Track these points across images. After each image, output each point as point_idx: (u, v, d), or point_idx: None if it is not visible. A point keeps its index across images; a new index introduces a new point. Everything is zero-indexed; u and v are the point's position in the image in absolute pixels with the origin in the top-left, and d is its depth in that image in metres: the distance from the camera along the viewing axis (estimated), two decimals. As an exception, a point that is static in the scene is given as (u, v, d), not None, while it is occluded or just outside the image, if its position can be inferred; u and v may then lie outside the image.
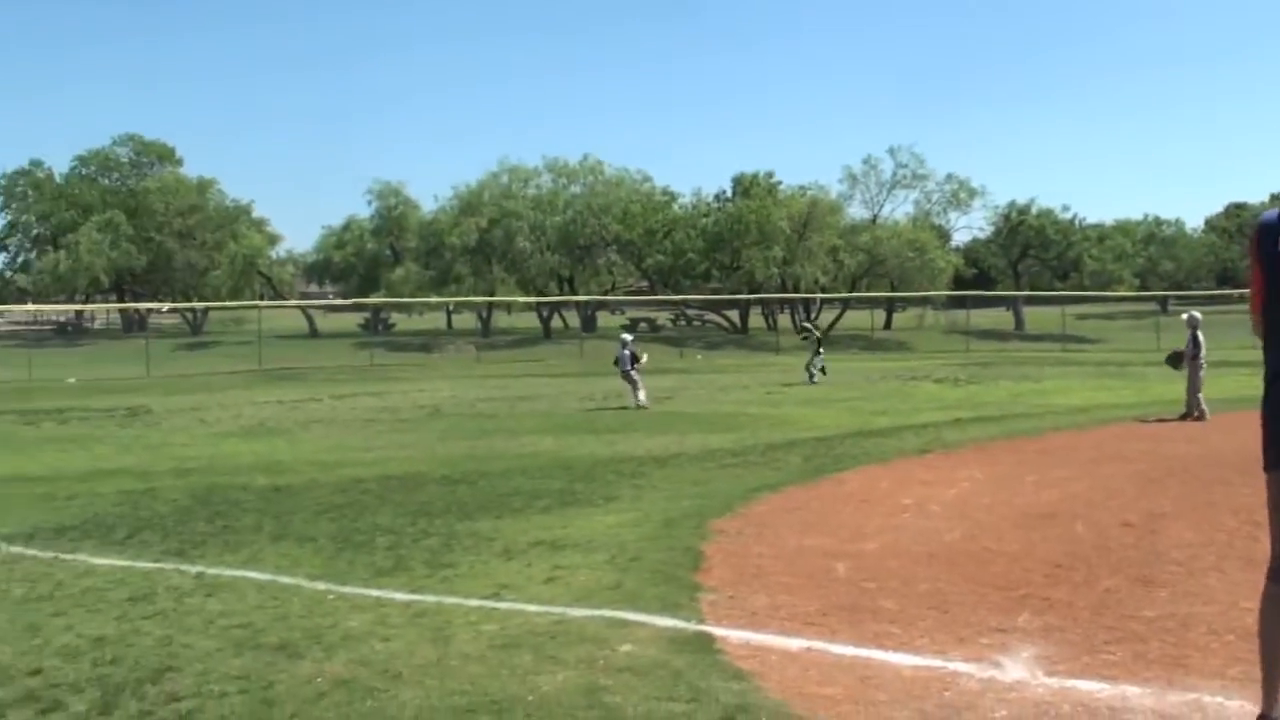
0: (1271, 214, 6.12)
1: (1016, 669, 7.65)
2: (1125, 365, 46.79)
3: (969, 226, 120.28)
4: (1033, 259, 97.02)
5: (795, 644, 8.33)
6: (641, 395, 30.87)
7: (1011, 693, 7.21)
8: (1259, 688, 6.14)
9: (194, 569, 11.48)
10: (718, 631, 8.65)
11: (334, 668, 8.00)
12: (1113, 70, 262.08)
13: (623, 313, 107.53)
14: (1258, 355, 6.11)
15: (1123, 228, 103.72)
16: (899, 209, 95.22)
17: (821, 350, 42.46)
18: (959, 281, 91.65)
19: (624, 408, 30.31)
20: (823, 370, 41.78)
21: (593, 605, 9.49)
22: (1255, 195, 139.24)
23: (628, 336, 34.05)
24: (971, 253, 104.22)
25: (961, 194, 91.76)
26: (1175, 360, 25.97)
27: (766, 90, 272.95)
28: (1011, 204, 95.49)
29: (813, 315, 43.80)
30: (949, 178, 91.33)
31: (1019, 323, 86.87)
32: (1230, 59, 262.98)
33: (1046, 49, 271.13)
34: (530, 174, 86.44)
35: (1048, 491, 15.10)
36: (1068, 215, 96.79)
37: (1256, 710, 6.19)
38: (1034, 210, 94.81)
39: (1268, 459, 5.99)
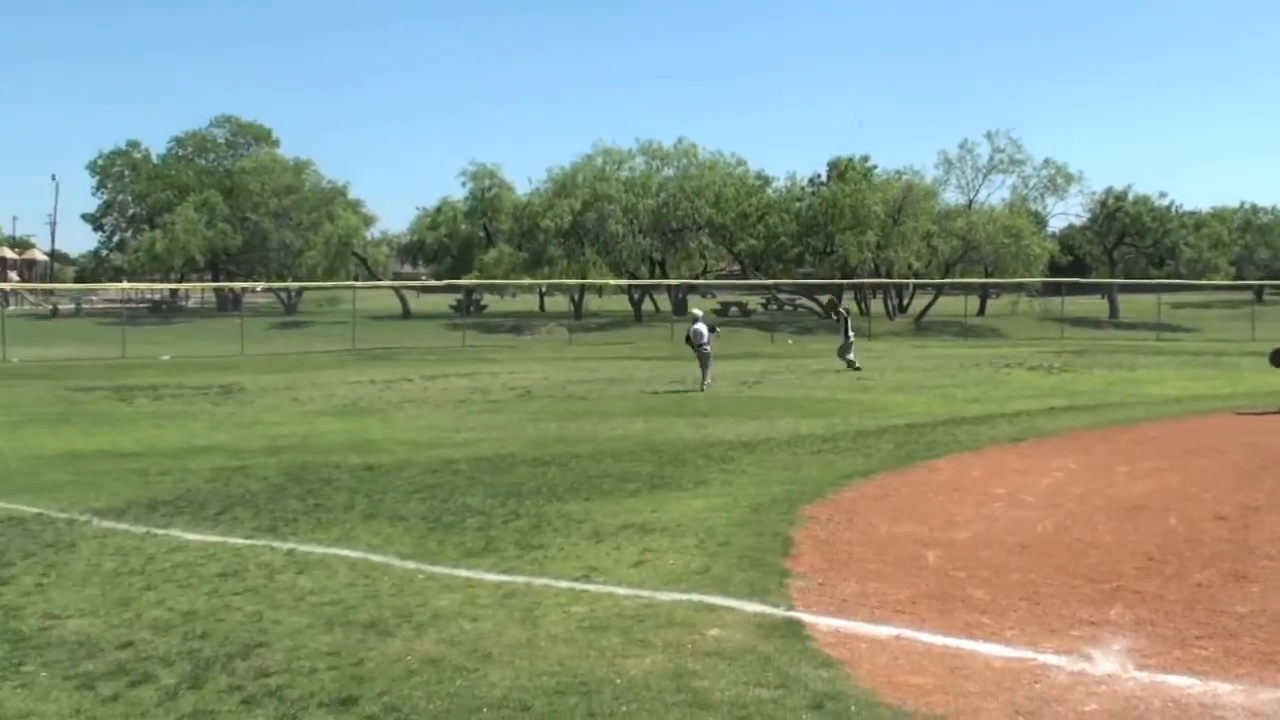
0: None
1: (1107, 662, 7.58)
2: (1220, 355, 46.07)
3: (1065, 213, 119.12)
4: (1128, 246, 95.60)
5: (884, 632, 8.30)
6: (709, 376, 31.10)
7: (1102, 686, 7.15)
8: None
9: (285, 546, 11.60)
10: (807, 618, 8.63)
11: (423, 646, 8.06)
12: (1212, 56, 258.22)
13: (713, 296, 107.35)
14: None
15: (1219, 215, 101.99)
16: (995, 194, 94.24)
17: (851, 335, 41.21)
18: (1054, 268, 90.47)
19: (684, 390, 30.48)
20: (851, 363, 40.24)
21: (681, 589, 9.50)
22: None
23: (699, 312, 34.46)
24: (1067, 239, 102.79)
25: (1059, 179, 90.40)
26: (1278, 358, 25.45)
27: (862, 74, 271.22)
28: (1108, 190, 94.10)
29: (840, 299, 42.18)
30: (1046, 163, 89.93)
31: (1113, 311, 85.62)
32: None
33: (1146, 33, 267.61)
34: (624, 156, 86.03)
35: (1140, 482, 14.92)
36: (1164, 202, 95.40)
37: None
38: (1130, 197, 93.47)
39: None
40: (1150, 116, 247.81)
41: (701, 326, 31.78)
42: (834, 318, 40.87)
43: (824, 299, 44.54)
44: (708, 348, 31.61)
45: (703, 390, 30.37)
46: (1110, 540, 11.42)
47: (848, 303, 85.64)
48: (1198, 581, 9.68)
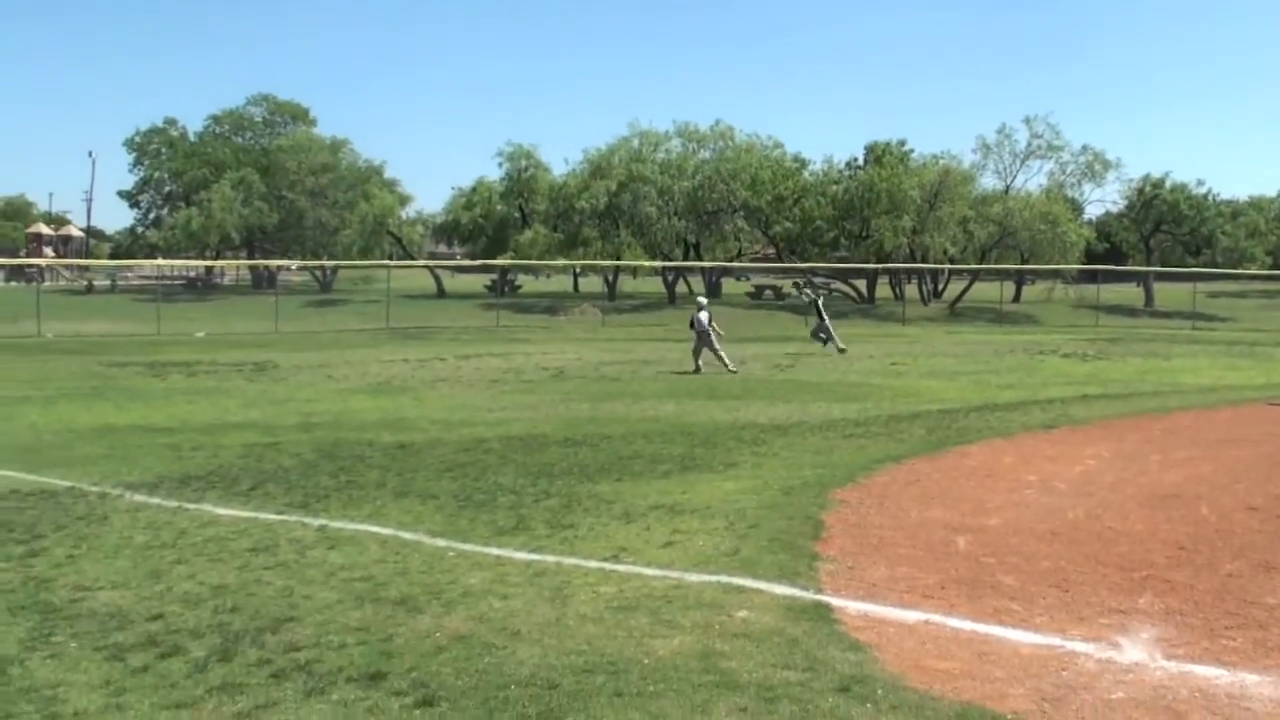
0: None
1: (1135, 651, 7.57)
2: (1255, 345, 45.86)
3: (1102, 200, 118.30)
4: (1165, 234, 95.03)
5: (913, 617, 8.30)
6: (700, 361, 31.54)
7: (1129, 675, 7.14)
8: None
9: (317, 522, 11.66)
10: (835, 601, 8.64)
11: (453, 623, 8.10)
12: (1253, 45, 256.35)
13: (748, 279, 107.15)
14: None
15: (1257, 204, 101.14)
16: (1032, 180, 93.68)
17: (825, 317, 41.30)
18: (1090, 255, 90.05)
19: (685, 372, 30.83)
20: (824, 339, 40.93)
21: (710, 571, 9.52)
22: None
23: (704, 300, 35.01)
24: (1104, 226, 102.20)
25: (1096, 166, 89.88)
26: None
27: (901, 57, 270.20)
28: (1146, 178, 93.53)
29: (814, 279, 41.58)
30: (1084, 149, 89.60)
31: (1149, 299, 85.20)
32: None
33: (1184, 19, 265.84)
34: (660, 138, 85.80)
35: (1173, 472, 14.86)
36: (1201, 190, 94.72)
37: None
38: (1168, 185, 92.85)
39: None
40: (1190, 104, 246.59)
41: (704, 315, 32.11)
42: (805, 298, 40.41)
43: (800, 281, 44.28)
44: (709, 334, 31.89)
45: (734, 371, 30.68)
46: (1141, 529, 11.39)
47: (883, 289, 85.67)
48: (1228, 572, 9.64)
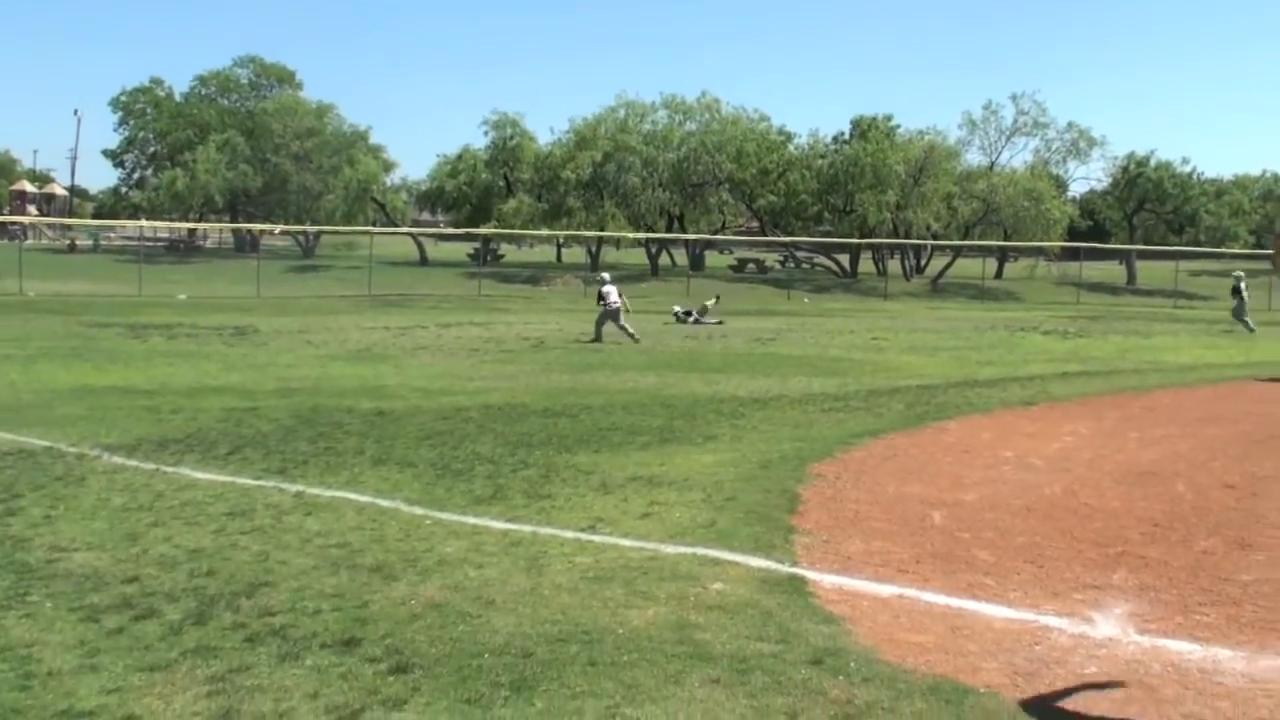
0: None
1: (1108, 626, 7.61)
2: (1236, 324, 45.93)
3: (1086, 177, 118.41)
4: (1149, 212, 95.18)
5: (887, 590, 8.33)
6: (601, 329, 32.47)
7: (1102, 649, 7.18)
8: None
9: (294, 487, 11.65)
10: (810, 574, 8.66)
11: (428, 591, 8.11)
12: (1238, 22, 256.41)
13: (731, 252, 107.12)
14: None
15: (1240, 183, 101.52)
16: (1017, 157, 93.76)
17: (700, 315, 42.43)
18: (1073, 233, 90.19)
19: (592, 342, 30.97)
20: (695, 317, 41.96)
21: (686, 543, 9.53)
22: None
23: (607, 275, 35.65)
24: (1087, 204, 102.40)
25: (1081, 143, 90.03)
26: None
27: (888, 32, 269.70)
28: (1130, 155, 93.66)
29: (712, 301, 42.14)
30: (1070, 126, 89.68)
31: (1131, 277, 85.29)
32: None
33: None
34: (647, 110, 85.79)
35: (1150, 449, 14.90)
36: (1186, 169, 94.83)
37: None
38: (1153, 163, 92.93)
39: None
40: (1175, 82, 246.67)
41: (610, 289, 32.79)
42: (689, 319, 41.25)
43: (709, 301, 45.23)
44: (613, 307, 32.52)
45: (638, 340, 31.29)
46: (1117, 506, 11.43)
47: (866, 264, 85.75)
48: (1203, 549, 9.69)
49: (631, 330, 31.71)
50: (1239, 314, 43.06)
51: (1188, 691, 6.51)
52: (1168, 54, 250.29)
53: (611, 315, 32.08)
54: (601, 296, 32.79)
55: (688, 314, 41.96)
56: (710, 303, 44.34)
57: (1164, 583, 8.67)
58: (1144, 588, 8.53)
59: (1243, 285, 43.55)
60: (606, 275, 35.13)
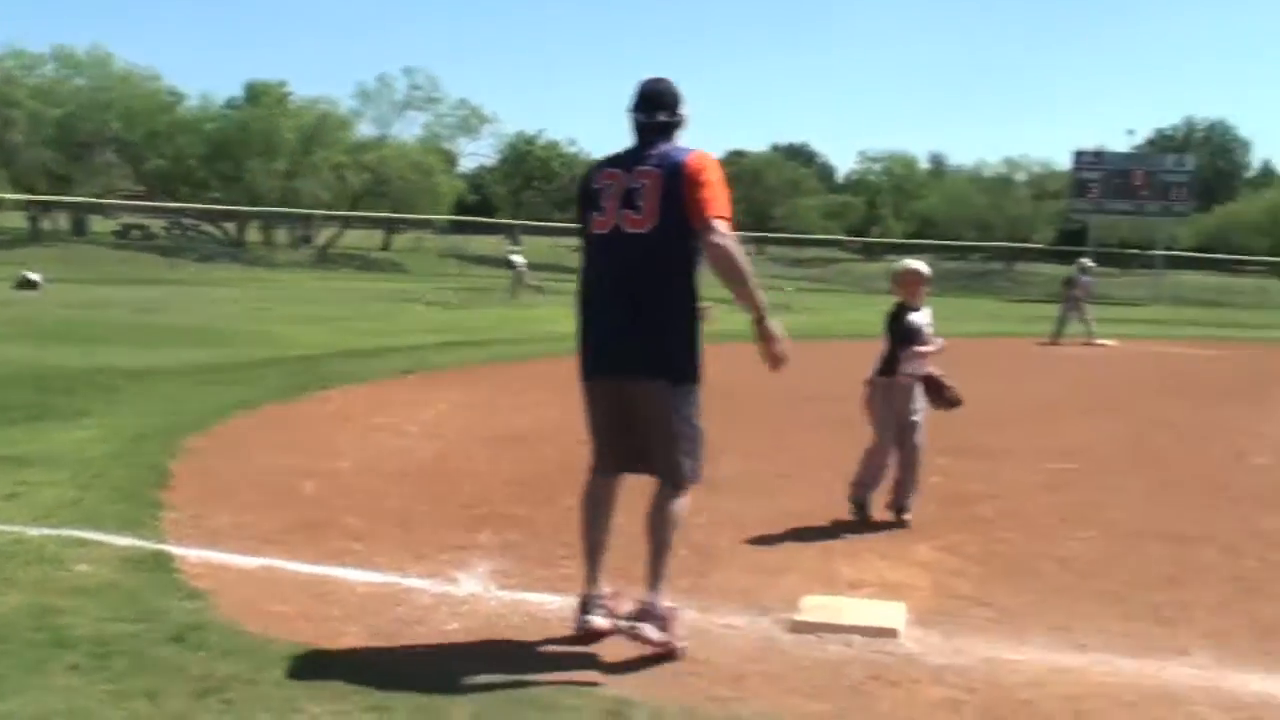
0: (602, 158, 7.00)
1: (471, 583, 7.88)
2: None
3: (476, 153, 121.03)
4: (535, 189, 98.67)
5: (253, 563, 8.29)
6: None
7: (464, 606, 7.43)
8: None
9: None
10: (176, 550, 8.50)
11: None
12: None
13: (116, 218, 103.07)
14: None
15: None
16: (409, 130, 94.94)
17: None
18: (461, 207, 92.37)
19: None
20: None
21: (52, 524, 9.14)
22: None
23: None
24: (476, 179, 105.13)
25: (472, 120, 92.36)
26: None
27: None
28: (519, 134, 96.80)
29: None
30: (461, 103, 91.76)
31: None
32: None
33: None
34: (36, 60, 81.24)
35: (522, 415, 15.53)
36: (573, 149, 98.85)
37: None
38: (540, 142, 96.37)
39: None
40: (560, 63, 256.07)
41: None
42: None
43: None
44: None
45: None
46: (486, 469, 11.85)
47: (255, 233, 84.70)
48: (568, 505, 10.06)
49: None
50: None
51: (545, 639, 6.92)
52: (559, 36, 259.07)
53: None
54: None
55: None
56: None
57: (529, 539, 9.08)
58: (508, 545, 8.88)
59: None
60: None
